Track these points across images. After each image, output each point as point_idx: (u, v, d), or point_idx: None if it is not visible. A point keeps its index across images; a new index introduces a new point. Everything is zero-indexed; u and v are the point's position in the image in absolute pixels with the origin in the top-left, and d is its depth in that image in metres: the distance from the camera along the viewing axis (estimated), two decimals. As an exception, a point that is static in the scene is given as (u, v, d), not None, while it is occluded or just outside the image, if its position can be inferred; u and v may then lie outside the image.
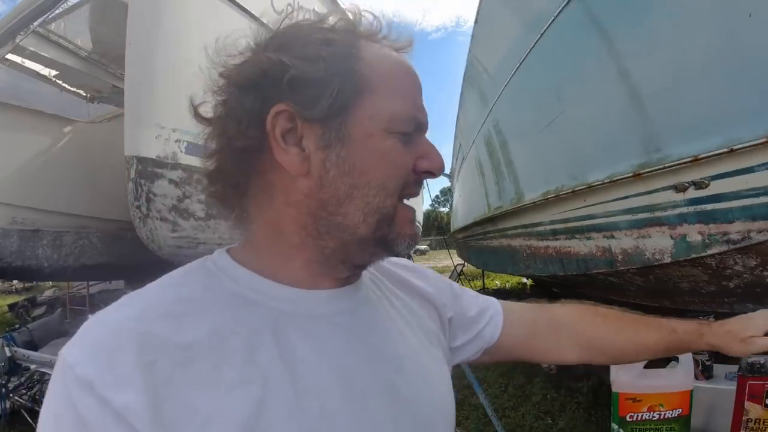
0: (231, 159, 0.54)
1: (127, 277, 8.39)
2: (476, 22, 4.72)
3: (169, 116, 3.46)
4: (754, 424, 0.94)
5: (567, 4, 2.42)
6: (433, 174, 0.56)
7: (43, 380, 3.53)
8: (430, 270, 0.78)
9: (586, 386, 3.59)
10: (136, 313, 0.47)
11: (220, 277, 0.53)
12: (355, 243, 0.53)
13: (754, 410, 0.94)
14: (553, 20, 2.55)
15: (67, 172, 5.40)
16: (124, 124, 3.38)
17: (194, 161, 3.70)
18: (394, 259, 0.69)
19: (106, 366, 0.42)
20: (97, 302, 10.02)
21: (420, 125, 0.55)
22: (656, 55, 2.00)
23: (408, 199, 0.57)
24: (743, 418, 0.95)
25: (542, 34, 2.66)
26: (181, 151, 3.60)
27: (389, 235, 0.54)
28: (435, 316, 0.72)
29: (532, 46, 2.87)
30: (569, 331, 0.82)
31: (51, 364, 3.30)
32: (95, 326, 0.46)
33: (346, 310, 0.57)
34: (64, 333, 5.94)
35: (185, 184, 3.67)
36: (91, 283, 10.36)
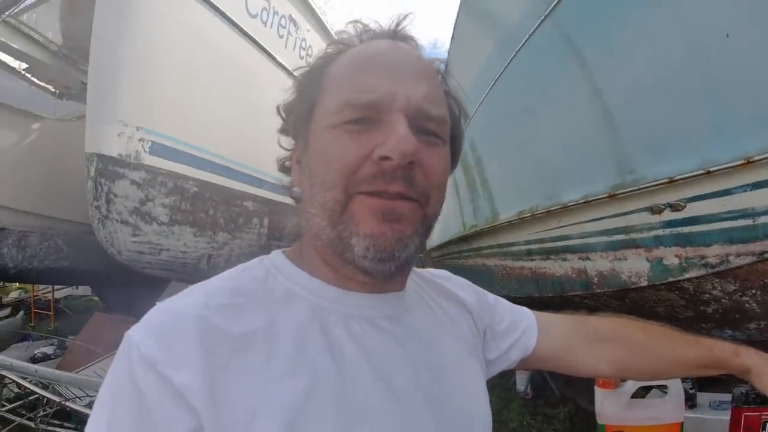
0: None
1: (93, 283, 8.14)
2: (452, 38, 4.73)
3: (134, 114, 3.33)
4: None
5: (541, 23, 2.41)
6: (388, 159, 0.49)
7: (3, 383, 3.29)
8: (465, 279, 0.78)
9: (562, 412, 3.53)
10: (199, 302, 0.50)
11: (275, 274, 0.57)
12: (327, 243, 0.54)
13: None
14: (527, 39, 2.53)
15: (34, 171, 5.27)
16: (86, 119, 3.24)
17: (159, 162, 3.56)
18: (434, 270, 0.74)
19: (169, 347, 0.46)
20: (62, 307, 9.72)
21: (366, 106, 0.51)
22: (630, 75, 1.98)
23: (376, 194, 0.51)
24: None
25: (516, 53, 2.65)
26: (145, 151, 3.47)
27: (344, 234, 0.52)
28: (473, 327, 0.72)
29: (507, 65, 2.85)
30: (608, 345, 0.82)
31: (11, 367, 3.08)
32: (161, 312, 0.50)
33: (392, 315, 0.59)
34: (26, 337, 5.70)
35: (148, 186, 3.54)
36: (57, 287, 10.09)
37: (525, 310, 0.81)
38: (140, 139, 3.40)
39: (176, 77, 3.54)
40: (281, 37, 4.80)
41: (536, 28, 2.44)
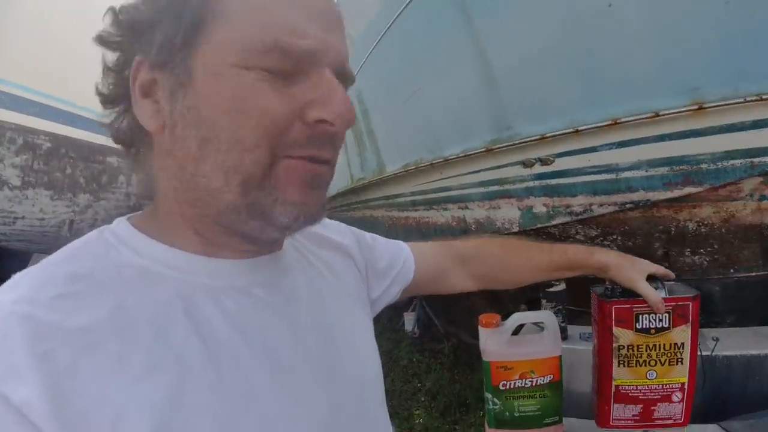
0: (120, 117, 0.50)
1: None
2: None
3: None
4: (627, 350, 0.93)
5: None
6: (329, 123, 0.43)
7: None
8: (340, 223, 0.75)
9: (447, 347, 3.85)
10: (25, 296, 0.40)
11: (119, 249, 0.47)
12: (228, 212, 0.45)
13: (624, 336, 0.92)
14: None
15: None
16: None
17: (5, 115, 2.99)
18: None
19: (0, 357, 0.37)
20: None
21: (301, 56, 0.42)
22: (512, 38, 2.07)
23: (307, 158, 0.45)
24: (614, 345, 0.93)
25: (406, 6, 2.61)
26: None
27: (263, 202, 0.44)
28: (354, 270, 0.69)
29: (395, 18, 2.81)
30: (471, 263, 0.89)
31: None
32: None
33: (266, 281, 0.52)
34: None
35: None
36: None
37: (401, 243, 0.83)
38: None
39: (25, 17, 2.93)
40: None
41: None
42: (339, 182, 6.18)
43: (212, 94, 0.42)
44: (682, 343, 0.92)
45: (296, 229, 0.47)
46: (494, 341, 1.12)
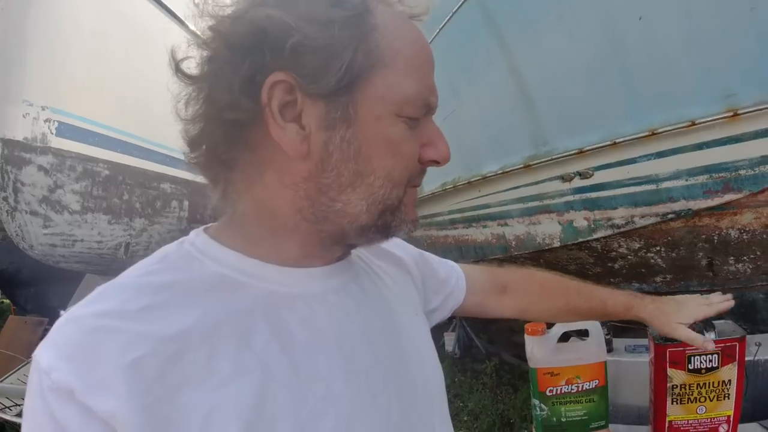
0: (219, 129, 0.47)
1: (1, 284, 7.21)
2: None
3: (39, 91, 2.99)
4: (680, 389, 1.00)
5: (464, 1, 2.47)
6: (438, 164, 0.51)
7: None
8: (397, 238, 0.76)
9: (489, 367, 3.79)
10: (113, 308, 0.42)
11: (201, 260, 0.49)
12: (354, 230, 0.49)
13: (677, 376, 0.99)
14: (451, 17, 2.59)
15: None
16: None
17: (66, 144, 3.23)
18: None
19: (86, 370, 0.38)
20: None
21: (430, 110, 0.50)
22: (546, 54, 2.11)
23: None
24: (668, 385, 1.00)
25: (440, 30, 2.70)
26: (52, 133, 3.13)
27: (392, 223, 0.50)
28: (410, 283, 0.71)
29: (431, 40, 2.89)
30: (511, 295, 0.90)
31: None
32: (69, 325, 0.41)
33: (337, 287, 0.54)
34: None
35: (56, 172, 3.20)
36: None
37: (452, 263, 0.85)
38: (47, 120, 3.05)
39: (85, 51, 3.17)
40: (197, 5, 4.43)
41: (460, 6, 2.51)
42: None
43: (374, 135, 0.46)
44: (730, 380, 0.98)
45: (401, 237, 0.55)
46: (540, 348, 1.15)
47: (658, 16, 1.64)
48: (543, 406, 1.14)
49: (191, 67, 0.48)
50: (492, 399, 3.38)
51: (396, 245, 0.74)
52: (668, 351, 0.98)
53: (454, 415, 3.33)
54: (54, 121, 3.11)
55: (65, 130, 3.20)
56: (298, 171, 0.47)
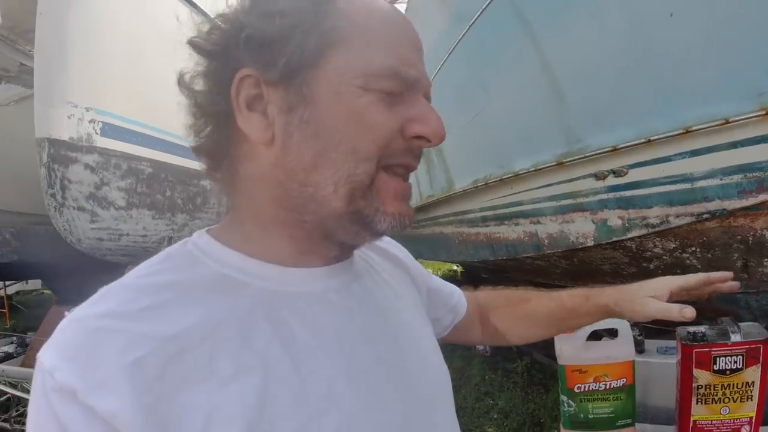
0: (206, 130, 0.51)
1: (44, 276, 7.64)
2: (407, 11, 4.72)
3: (83, 94, 3.15)
4: (705, 390, 1.02)
5: (493, -1, 2.46)
6: (427, 140, 0.49)
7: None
8: (397, 243, 0.76)
9: (520, 366, 3.77)
10: (115, 308, 0.42)
11: (203, 260, 0.49)
12: (330, 217, 0.48)
13: (703, 377, 1.01)
14: (480, 13, 2.58)
15: None
16: (34, 102, 3.02)
17: (111, 144, 3.41)
18: None
19: (88, 370, 0.38)
20: (15, 304, 9.15)
21: (410, 82, 0.48)
22: (577, 50, 2.08)
23: (400, 172, 0.50)
24: (693, 385, 1.02)
25: (470, 27, 2.70)
26: (97, 133, 3.30)
27: (365, 210, 0.48)
28: (412, 285, 0.70)
29: (459, 39, 2.90)
30: (484, 320, 0.89)
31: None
32: (72, 326, 0.42)
33: (339, 287, 0.54)
34: None
35: (102, 170, 3.37)
36: (7, 282, 9.37)
37: (451, 285, 0.84)
38: (91, 120, 3.21)
39: (123, 53, 3.32)
40: None
41: (489, 3, 2.50)
42: (408, 200, 6.30)
43: (334, 110, 0.46)
44: (753, 382, 1.00)
45: (387, 235, 0.51)
46: (569, 346, 1.16)
47: (689, 12, 1.60)
48: (571, 402, 1.16)
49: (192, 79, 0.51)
50: (523, 398, 3.36)
51: (397, 247, 0.74)
52: (694, 352, 1.00)
53: (484, 413, 3.33)
54: (98, 121, 3.27)
55: (109, 131, 3.36)
56: (267, 159, 0.48)
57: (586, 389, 1.15)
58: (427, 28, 3.38)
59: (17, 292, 10.68)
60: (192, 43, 0.49)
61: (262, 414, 0.42)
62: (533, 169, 2.65)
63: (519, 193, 3.00)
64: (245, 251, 0.50)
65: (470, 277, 8.32)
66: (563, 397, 1.17)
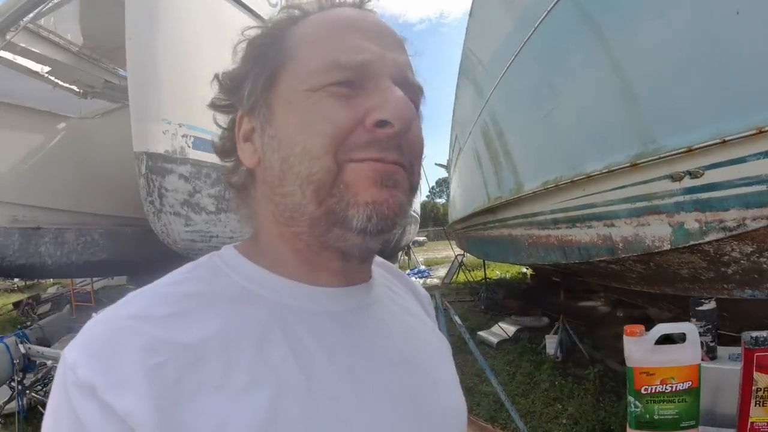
0: (230, 162, 0.56)
1: (129, 272, 8.35)
2: (471, 15, 4.75)
3: (175, 112, 3.51)
4: (764, 392, 1.03)
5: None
6: (388, 124, 0.45)
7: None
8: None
9: (592, 373, 3.66)
10: (140, 312, 0.44)
11: (227, 273, 0.51)
12: (313, 225, 0.48)
13: (762, 380, 1.02)
14: (546, 14, 2.57)
15: (63, 169, 5.43)
16: (131, 120, 3.40)
17: (202, 156, 3.77)
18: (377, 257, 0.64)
19: (109, 368, 0.39)
20: (100, 298, 10.18)
21: (357, 67, 0.46)
22: (647, 49, 2.03)
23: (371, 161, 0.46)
24: (753, 388, 1.03)
25: (535, 28, 2.69)
26: (189, 146, 3.66)
27: (336, 207, 0.45)
28: (427, 317, 0.69)
29: (526, 40, 2.89)
30: None
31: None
32: (98, 325, 0.43)
33: (357, 307, 0.54)
34: (72, 329, 6.03)
35: (195, 179, 3.74)
36: (94, 279, 10.28)
37: None
38: (183, 135, 3.57)
39: (208, 74, 3.68)
40: None
41: (555, 3, 2.49)
42: (474, 201, 6.28)
43: (288, 119, 0.47)
44: None
45: (375, 231, 0.46)
46: (638, 348, 1.19)
47: (756, 10, 1.53)
48: (637, 403, 1.19)
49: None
50: (594, 405, 3.27)
51: (422, 289, 0.73)
52: (756, 355, 1.00)
53: (553, 418, 3.28)
54: (190, 136, 3.63)
55: (200, 144, 3.72)
56: (259, 179, 0.53)
57: (653, 391, 1.17)
58: (493, 31, 3.39)
59: (103, 287, 11.68)
60: (211, 106, 0.56)
61: (272, 428, 0.41)
62: (606, 170, 2.59)
63: (591, 195, 2.93)
64: (266, 267, 0.51)
65: (540, 279, 8.10)
66: (630, 398, 1.20)
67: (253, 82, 0.50)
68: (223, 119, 0.57)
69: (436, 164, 17.23)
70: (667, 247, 2.28)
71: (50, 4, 3.81)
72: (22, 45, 4.45)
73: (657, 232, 2.35)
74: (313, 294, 0.51)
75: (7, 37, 3.76)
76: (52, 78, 5.23)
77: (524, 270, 10.16)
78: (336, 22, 0.49)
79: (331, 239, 0.48)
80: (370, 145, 0.45)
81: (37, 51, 4.70)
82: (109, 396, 0.38)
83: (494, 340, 5.50)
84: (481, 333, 5.79)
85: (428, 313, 0.71)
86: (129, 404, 0.38)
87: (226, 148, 0.56)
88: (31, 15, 3.72)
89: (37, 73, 5.05)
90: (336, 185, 0.45)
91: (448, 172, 10.78)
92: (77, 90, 5.69)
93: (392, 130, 0.45)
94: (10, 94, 5.01)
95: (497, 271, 11.51)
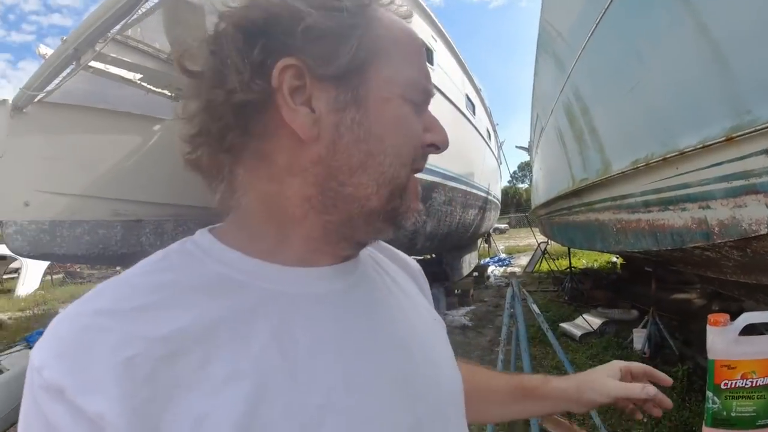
0: (227, 116, 0.47)
1: None
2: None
3: None
4: None
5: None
6: (438, 148, 0.53)
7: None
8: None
9: (681, 371, 3.37)
10: (108, 306, 0.42)
11: (202, 259, 0.48)
12: (362, 216, 0.49)
13: None
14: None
15: (161, 167, 5.81)
16: None
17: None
18: None
19: (77, 369, 0.38)
20: None
21: (429, 96, 0.53)
22: (734, 9, 1.78)
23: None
24: None
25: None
26: None
27: (400, 209, 0.51)
28: (420, 292, 0.69)
29: (608, 5, 2.68)
30: None
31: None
32: (64, 322, 0.41)
33: (345, 288, 0.53)
34: None
35: None
36: None
37: None
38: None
39: None
40: None
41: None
42: (558, 185, 5.94)
43: (383, 116, 0.48)
44: None
45: (409, 230, 0.53)
46: (721, 339, 1.10)
47: None
48: (716, 399, 1.10)
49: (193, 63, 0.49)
50: (678, 405, 3.01)
51: (410, 258, 0.73)
52: None
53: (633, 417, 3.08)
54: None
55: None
56: (308, 156, 0.47)
57: (733, 386, 1.07)
58: (569, 3, 3.17)
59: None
60: (226, 19, 0.46)
61: (254, 422, 0.40)
62: (700, 146, 2.33)
63: (686, 173, 2.66)
64: (248, 251, 0.49)
65: (631, 269, 7.49)
66: (709, 394, 1.11)
67: (351, 51, 0.46)
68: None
69: (516, 147, 16.57)
70: (763, 231, 2.02)
71: (135, 16, 4.11)
72: (113, 55, 4.83)
73: (755, 215, 2.08)
74: (298, 276, 0.50)
75: (96, 48, 4.05)
76: (144, 84, 5.64)
77: (614, 259, 9.47)
78: (411, 38, 0.52)
79: (365, 231, 0.51)
80: (422, 159, 0.53)
81: (128, 60, 5.09)
82: (79, 398, 0.37)
83: (577, 332, 5.27)
84: (563, 325, 5.56)
85: (421, 287, 0.70)
86: (99, 406, 0.37)
87: (237, 90, 0.45)
88: (117, 27, 4.01)
89: (129, 80, 5.47)
90: (405, 190, 0.51)
91: (530, 154, 10.29)
92: (169, 94, 6.04)
93: (438, 152, 0.54)
94: (106, 101, 5.48)
95: (584, 260, 10.89)
